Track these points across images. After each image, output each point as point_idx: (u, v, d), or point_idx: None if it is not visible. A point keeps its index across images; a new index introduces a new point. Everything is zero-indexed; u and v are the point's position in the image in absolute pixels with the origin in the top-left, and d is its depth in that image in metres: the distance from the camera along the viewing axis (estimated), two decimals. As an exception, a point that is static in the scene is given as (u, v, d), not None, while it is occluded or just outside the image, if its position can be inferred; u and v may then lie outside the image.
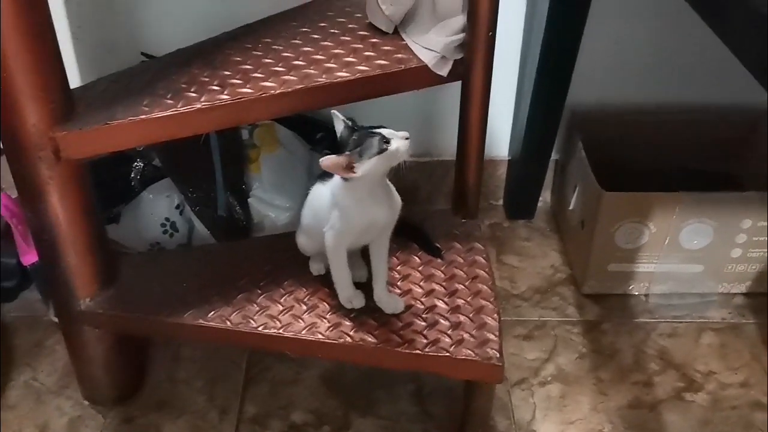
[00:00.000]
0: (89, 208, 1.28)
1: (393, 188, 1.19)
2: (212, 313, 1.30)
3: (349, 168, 1.07)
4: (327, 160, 1.07)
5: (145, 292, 1.36)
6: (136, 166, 1.65)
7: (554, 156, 1.84)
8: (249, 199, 1.65)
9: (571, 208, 1.75)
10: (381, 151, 1.07)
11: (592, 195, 1.58)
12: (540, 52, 1.58)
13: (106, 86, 1.27)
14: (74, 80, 1.38)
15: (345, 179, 1.12)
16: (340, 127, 1.15)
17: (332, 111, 1.17)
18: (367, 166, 1.08)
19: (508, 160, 1.92)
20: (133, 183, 1.66)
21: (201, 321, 1.29)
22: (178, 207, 1.66)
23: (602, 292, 1.70)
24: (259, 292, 1.34)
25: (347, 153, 1.07)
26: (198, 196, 1.62)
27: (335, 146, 1.13)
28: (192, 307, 1.31)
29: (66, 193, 1.22)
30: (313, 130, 1.76)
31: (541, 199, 1.92)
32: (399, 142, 1.09)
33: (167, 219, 1.66)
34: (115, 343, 1.42)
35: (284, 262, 1.39)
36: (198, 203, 1.62)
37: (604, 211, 1.56)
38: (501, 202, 1.98)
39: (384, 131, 1.09)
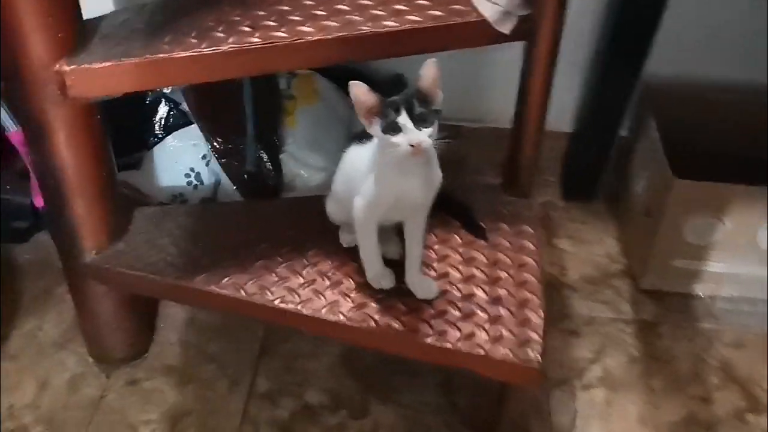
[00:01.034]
0: (100, 153, 1.20)
1: (435, 161, 1.07)
2: (226, 279, 1.21)
3: (371, 114, 0.98)
4: (357, 87, 0.97)
5: (156, 250, 1.28)
6: (161, 108, 1.57)
7: (621, 132, 1.73)
8: (281, 155, 1.57)
9: (635, 192, 1.65)
10: (384, 131, 0.97)
11: (661, 181, 1.48)
12: (618, 14, 1.48)
13: (126, 18, 1.17)
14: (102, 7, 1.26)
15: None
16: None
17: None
18: (375, 132, 0.98)
19: (569, 133, 1.80)
20: (156, 127, 1.57)
21: (213, 287, 1.20)
22: (204, 157, 1.58)
23: (662, 290, 1.59)
24: (280, 260, 1.25)
25: (379, 97, 0.97)
26: (226, 148, 1.54)
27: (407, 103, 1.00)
28: (205, 271, 1.23)
29: (74, 135, 1.13)
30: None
31: (602, 179, 1.80)
32: (409, 138, 0.96)
33: (192, 169, 1.58)
34: (123, 300, 1.35)
35: (311, 228, 1.30)
36: (225, 155, 1.54)
37: (675, 201, 1.46)
38: (557, 179, 1.86)
39: (402, 118, 0.96)
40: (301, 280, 1.21)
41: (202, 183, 1.58)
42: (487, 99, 1.78)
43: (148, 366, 1.44)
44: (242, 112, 1.52)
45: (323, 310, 1.16)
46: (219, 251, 1.27)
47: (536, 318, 1.15)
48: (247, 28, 1.12)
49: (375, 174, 1.05)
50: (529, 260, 1.24)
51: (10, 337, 1.48)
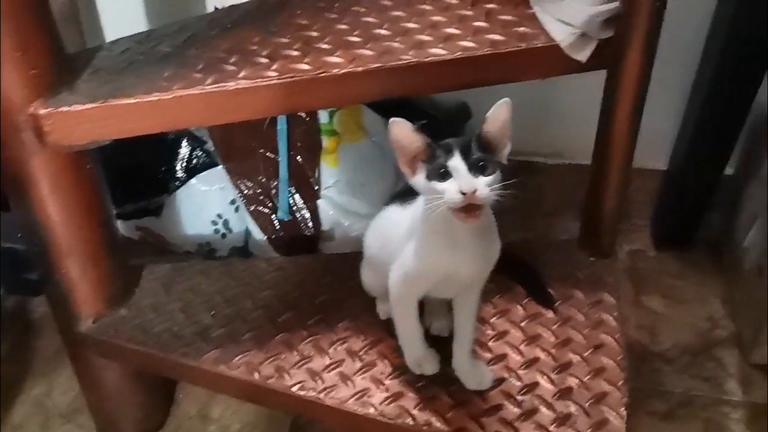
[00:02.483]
0: (94, 207, 1.09)
1: (493, 227, 0.92)
2: (239, 357, 1.09)
3: (413, 160, 0.84)
4: (398, 126, 0.84)
5: (163, 317, 1.17)
6: (184, 148, 1.48)
7: (728, 171, 1.61)
8: (319, 200, 1.45)
9: (745, 244, 1.50)
10: (429, 177, 0.83)
11: None
12: (728, 26, 1.36)
13: (127, 48, 1.07)
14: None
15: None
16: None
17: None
18: (419, 182, 0.85)
19: (664, 171, 1.71)
20: (178, 169, 1.48)
21: (223, 368, 1.08)
22: (233, 202, 1.49)
23: None
24: (305, 334, 1.12)
25: (427, 139, 0.84)
26: (255, 192, 1.44)
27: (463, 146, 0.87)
28: (216, 346, 1.11)
29: (59, 187, 1.03)
30: (412, 117, 1.42)
31: (702, 225, 1.67)
32: (460, 184, 0.81)
33: (219, 216, 1.49)
34: (130, 372, 1.24)
35: (346, 293, 1.18)
36: (254, 201, 1.44)
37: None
38: (648, 223, 1.74)
39: (454, 161, 0.81)
40: (327, 361, 1.08)
41: (230, 231, 1.49)
42: (566, 130, 1.67)
43: (163, 444, 1.34)
44: (274, 150, 1.43)
45: (350, 401, 1.03)
46: (235, 321, 1.15)
47: (616, 419, 0.98)
48: (263, 59, 1.00)
49: (416, 241, 0.91)
50: (609, 339, 1.09)
51: (16, 403, 1.39)
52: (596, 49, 0.98)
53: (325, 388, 1.04)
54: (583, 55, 0.98)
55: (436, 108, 1.56)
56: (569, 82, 1.51)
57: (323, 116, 1.47)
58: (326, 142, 1.45)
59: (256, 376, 1.06)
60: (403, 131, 0.83)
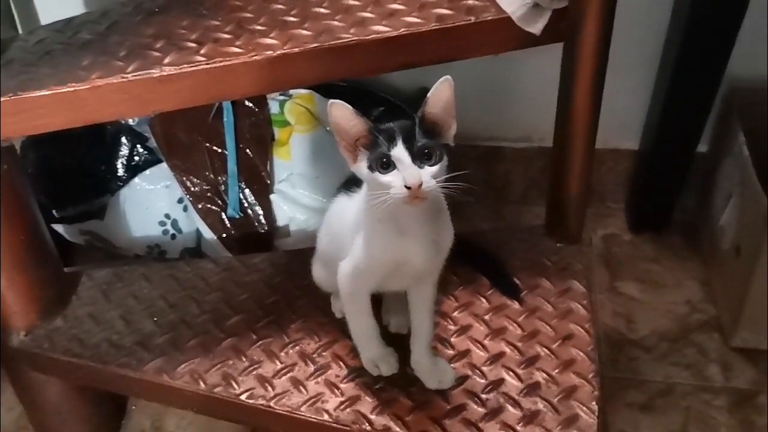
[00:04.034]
0: (18, 213, 1.03)
1: (444, 214, 0.88)
2: (183, 366, 1.04)
3: (355, 146, 0.80)
4: (337, 108, 0.79)
5: (101, 327, 1.11)
6: (123, 145, 1.41)
7: (701, 149, 1.58)
8: (272, 195, 1.40)
9: (721, 223, 1.50)
10: (371, 167, 0.79)
11: (755, 209, 1.32)
12: (691, 2, 1.33)
13: (44, 37, 1.02)
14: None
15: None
16: None
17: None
18: (360, 170, 0.81)
19: (636, 151, 1.68)
20: (119, 167, 1.42)
21: (166, 378, 1.03)
22: (180, 201, 1.43)
23: (759, 348, 1.40)
24: (254, 338, 1.07)
25: (368, 122, 0.80)
26: (202, 189, 1.38)
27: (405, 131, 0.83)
28: (158, 355, 1.06)
29: None
30: (368, 105, 1.47)
31: (677, 206, 1.66)
32: (404, 176, 0.77)
33: (167, 216, 1.43)
34: (72, 386, 1.18)
35: (299, 292, 1.14)
36: (202, 199, 1.38)
37: (774, 234, 1.30)
38: (622, 206, 1.73)
39: (397, 150, 0.77)
40: (278, 366, 1.03)
41: (180, 232, 1.43)
42: (533, 112, 1.61)
43: (113, 460, 1.29)
44: (221, 143, 1.37)
45: (303, 408, 0.97)
46: (179, 327, 1.10)
47: (587, 414, 0.93)
48: (191, 44, 0.96)
49: (363, 232, 0.87)
50: (578, 330, 1.05)
51: (-41, 422, 1.34)
52: (551, 20, 0.95)
53: (275, 395, 0.99)
54: (536, 28, 0.95)
55: (395, 94, 1.53)
56: (534, 61, 1.51)
57: (273, 106, 1.42)
58: (278, 133, 1.41)
59: (202, 385, 1.01)
60: (342, 114, 0.79)
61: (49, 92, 0.89)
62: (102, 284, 1.18)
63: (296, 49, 0.92)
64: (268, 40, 0.94)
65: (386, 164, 0.78)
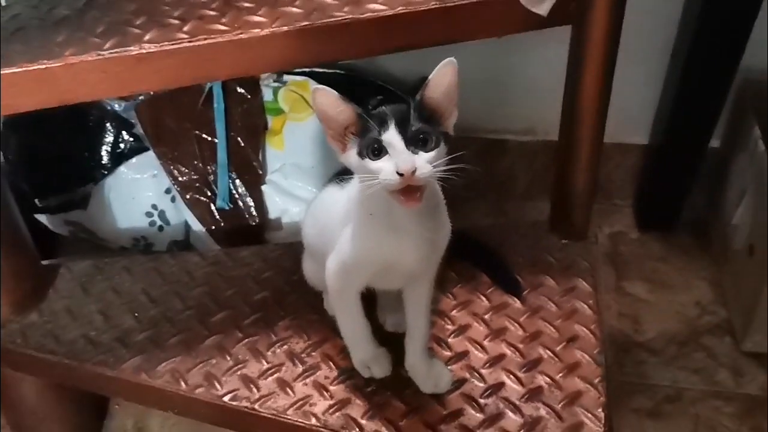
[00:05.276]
0: None
1: (441, 208, 0.83)
2: (164, 364, 1.00)
3: (344, 134, 0.76)
4: (322, 94, 0.74)
5: (78, 322, 1.07)
6: (108, 131, 1.37)
7: (713, 143, 1.56)
8: (264, 186, 1.36)
9: (734, 221, 1.47)
10: (361, 154, 0.74)
11: None
12: None
13: (18, 13, 0.97)
14: None
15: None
16: None
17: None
18: (350, 159, 0.76)
19: (645, 146, 1.65)
20: (104, 155, 1.37)
21: (144, 377, 0.99)
22: (168, 191, 1.39)
23: None
24: (240, 335, 1.03)
25: (357, 108, 0.75)
26: (191, 179, 1.34)
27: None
28: (137, 353, 1.02)
29: None
30: (365, 93, 1.41)
31: (687, 203, 1.63)
32: (397, 162, 0.72)
33: (154, 206, 1.38)
34: (51, 384, 1.14)
35: (288, 288, 1.10)
36: (190, 189, 1.34)
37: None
38: (630, 203, 1.70)
39: (389, 135, 0.72)
40: (264, 366, 0.99)
41: (168, 223, 1.39)
42: (538, 104, 1.55)
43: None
44: (211, 131, 1.33)
45: (290, 411, 0.93)
46: (160, 323, 1.06)
47: (593, 421, 0.89)
48: (174, 21, 0.91)
49: (352, 227, 0.82)
50: (584, 331, 1.01)
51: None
52: (559, 1, 0.90)
53: (261, 397, 0.95)
54: (543, 9, 0.91)
55: (395, 83, 1.49)
56: (540, 50, 1.48)
57: (267, 93, 1.38)
58: (271, 121, 1.37)
59: (183, 385, 0.97)
60: (328, 100, 0.74)
61: (20, 70, 0.84)
62: (81, 277, 1.14)
63: (285, 28, 0.87)
64: (256, 18, 0.89)
65: (377, 150, 0.72)
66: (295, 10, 0.90)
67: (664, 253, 1.58)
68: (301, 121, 1.38)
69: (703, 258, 1.56)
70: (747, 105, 1.46)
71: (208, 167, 1.34)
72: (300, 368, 0.98)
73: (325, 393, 0.94)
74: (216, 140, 1.34)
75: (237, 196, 1.35)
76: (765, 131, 1.37)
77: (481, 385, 0.94)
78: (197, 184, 1.34)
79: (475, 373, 0.95)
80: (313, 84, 1.39)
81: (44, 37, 0.89)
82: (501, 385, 0.94)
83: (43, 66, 0.84)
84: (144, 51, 0.85)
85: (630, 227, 1.64)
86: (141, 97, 1.33)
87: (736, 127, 1.52)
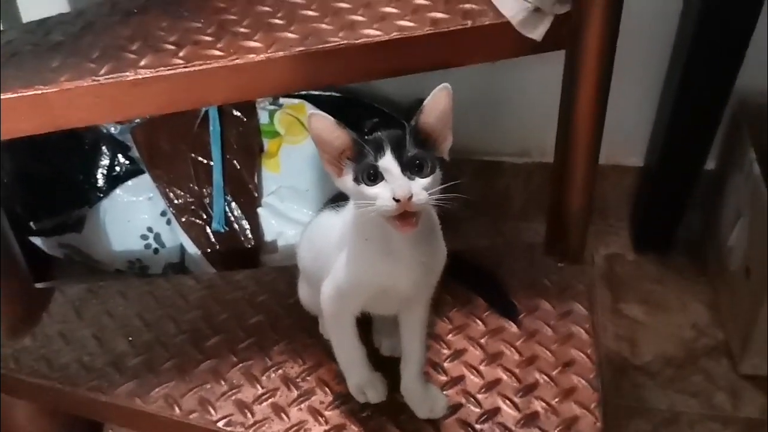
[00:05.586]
0: None
1: (437, 232, 0.83)
2: (157, 389, 0.99)
3: (339, 159, 0.76)
4: (317, 119, 0.74)
5: (72, 346, 1.07)
6: (104, 154, 1.37)
7: (709, 165, 1.56)
8: (259, 209, 1.37)
9: (729, 243, 1.47)
10: (356, 179, 0.74)
11: (765, 228, 1.29)
12: (702, 12, 1.30)
13: (13, 38, 0.98)
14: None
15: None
16: None
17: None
18: (346, 184, 0.76)
19: (641, 168, 1.66)
20: (100, 178, 1.38)
21: (138, 402, 0.98)
22: (164, 214, 1.39)
23: None
24: (234, 360, 1.02)
25: (352, 134, 0.75)
26: (186, 202, 1.34)
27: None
28: (131, 378, 1.01)
29: None
30: (361, 115, 1.43)
31: (683, 224, 1.63)
32: (393, 188, 0.72)
33: (149, 229, 1.39)
34: (44, 409, 1.14)
35: (283, 311, 1.09)
36: (186, 211, 1.34)
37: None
38: (626, 224, 1.70)
39: (385, 161, 0.72)
40: (259, 391, 0.98)
41: (163, 246, 1.40)
42: (533, 126, 1.58)
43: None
44: (207, 155, 1.34)
45: None
46: (154, 347, 1.05)
47: None
48: (170, 46, 0.92)
49: (348, 251, 0.82)
50: (580, 355, 1.00)
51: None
52: (552, 26, 0.91)
53: (255, 423, 0.94)
54: (537, 34, 0.92)
55: (390, 105, 1.50)
56: (536, 73, 1.47)
57: (263, 116, 1.39)
58: (267, 144, 1.37)
59: (177, 410, 0.96)
60: (323, 125, 0.74)
61: (14, 95, 0.84)
62: (75, 301, 1.14)
63: (281, 53, 0.88)
64: (252, 43, 0.90)
65: (373, 176, 0.72)
66: (290, 35, 0.91)
67: (660, 275, 1.57)
68: (297, 143, 1.38)
69: (699, 280, 1.55)
70: (742, 126, 1.46)
71: (204, 190, 1.34)
72: (295, 393, 0.97)
73: (320, 418, 0.93)
74: (212, 163, 1.34)
75: (232, 218, 1.35)
76: (760, 153, 1.37)
77: (477, 410, 0.93)
78: (193, 207, 1.34)
79: (471, 398, 0.94)
80: (309, 107, 1.41)
81: (39, 63, 0.89)
82: (497, 410, 0.93)
83: (39, 91, 0.85)
84: (139, 76, 0.86)
85: (626, 249, 1.64)
86: (137, 120, 1.33)
87: (732, 149, 1.51)
